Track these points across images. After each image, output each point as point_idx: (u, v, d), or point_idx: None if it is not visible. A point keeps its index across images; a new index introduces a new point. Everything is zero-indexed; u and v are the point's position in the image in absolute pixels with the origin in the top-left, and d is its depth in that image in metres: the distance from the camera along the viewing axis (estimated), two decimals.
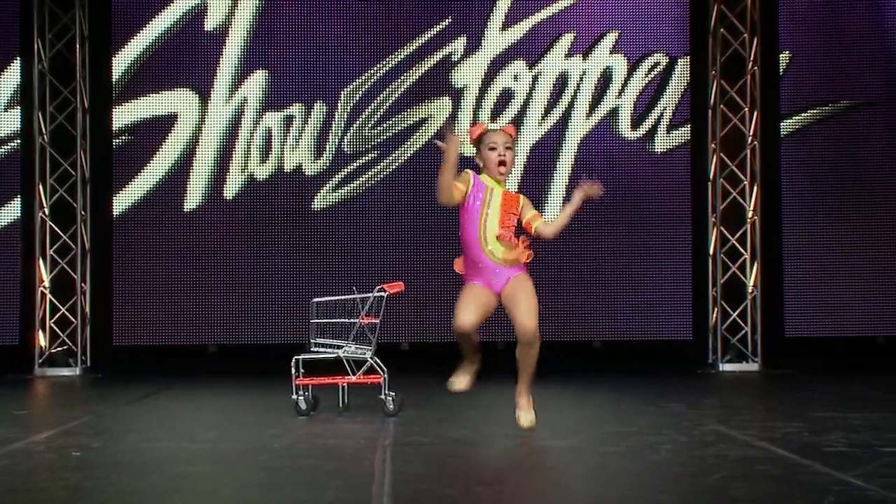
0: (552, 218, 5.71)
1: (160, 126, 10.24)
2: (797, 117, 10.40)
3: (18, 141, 10.09)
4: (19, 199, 10.10)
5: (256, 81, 10.28)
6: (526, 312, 5.31)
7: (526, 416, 5.42)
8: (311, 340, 6.60)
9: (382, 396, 6.37)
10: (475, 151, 5.51)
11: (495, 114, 10.42)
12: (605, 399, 7.63)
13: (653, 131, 10.41)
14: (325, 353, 6.54)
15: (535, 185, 10.39)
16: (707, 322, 10.20)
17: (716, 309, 10.09)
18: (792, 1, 10.46)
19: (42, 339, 9.90)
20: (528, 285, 5.41)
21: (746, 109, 10.06)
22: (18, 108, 10.11)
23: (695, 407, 6.89)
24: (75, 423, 6.00)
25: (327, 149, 10.34)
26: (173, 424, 6.16)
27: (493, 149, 5.41)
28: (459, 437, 5.42)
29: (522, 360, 5.39)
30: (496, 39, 10.43)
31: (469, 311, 5.30)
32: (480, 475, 4.29)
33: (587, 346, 10.64)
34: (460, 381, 5.60)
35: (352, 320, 6.51)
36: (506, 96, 10.44)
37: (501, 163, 5.40)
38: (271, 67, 10.31)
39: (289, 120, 10.34)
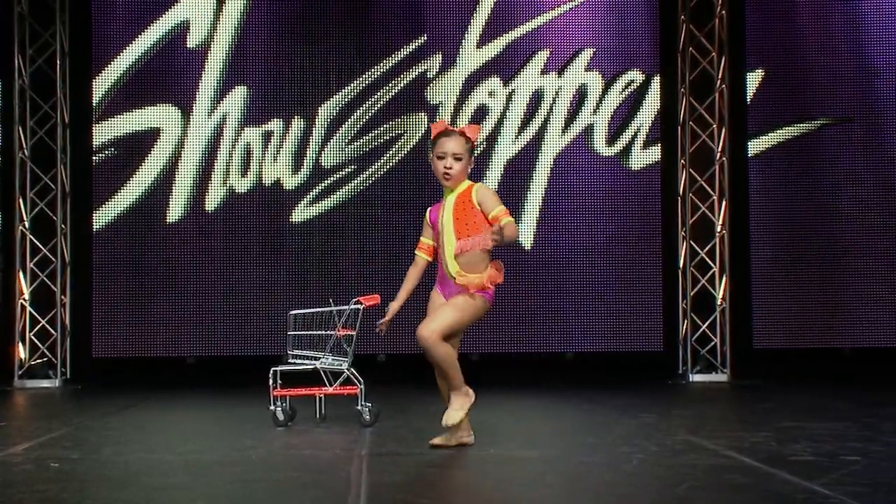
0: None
1: (143, 140, 10.20)
2: (768, 135, 10.47)
3: None
4: None
5: (236, 97, 10.26)
6: (427, 319, 5.16)
7: (449, 413, 5.18)
8: (289, 352, 6.58)
9: (359, 407, 6.35)
10: (430, 152, 5.32)
11: None
12: (578, 410, 7.63)
13: (628, 148, 10.45)
14: (303, 364, 6.52)
15: (510, 200, 10.38)
16: (677, 334, 10.23)
17: (686, 321, 10.12)
18: (759, 20, 10.53)
19: (22, 351, 9.82)
20: (461, 300, 5.16)
21: (715, 126, 10.12)
22: None
23: (666, 417, 6.90)
24: (54, 435, 5.94)
25: (305, 163, 10.33)
26: (151, 436, 6.11)
27: (440, 158, 5.21)
28: (434, 449, 5.39)
29: (433, 366, 5.21)
30: (472, 56, 10.45)
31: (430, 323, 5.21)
32: (456, 485, 4.27)
33: (560, 358, 10.66)
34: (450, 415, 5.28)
35: (328, 332, 6.49)
36: (481, 112, 10.46)
37: (446, 175, 5.19)
38: (251, 84, 10.30)
39: (268, 135, 10.32)
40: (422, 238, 5.44)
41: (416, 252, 5.49)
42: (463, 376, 5.23)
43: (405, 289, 5.47)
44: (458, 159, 5.18)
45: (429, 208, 5.41)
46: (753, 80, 10.48)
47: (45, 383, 9.72)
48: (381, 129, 10.40)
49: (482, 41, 10.45)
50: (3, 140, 10.04)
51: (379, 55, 10.40)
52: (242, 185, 10.29)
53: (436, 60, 10.44)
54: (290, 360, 6.55)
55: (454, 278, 5.19)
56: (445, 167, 5.19)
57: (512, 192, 10.41)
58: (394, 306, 5.46)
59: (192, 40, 10.26)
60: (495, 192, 5.33)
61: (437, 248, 5.32)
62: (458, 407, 5.18)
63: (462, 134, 5.24)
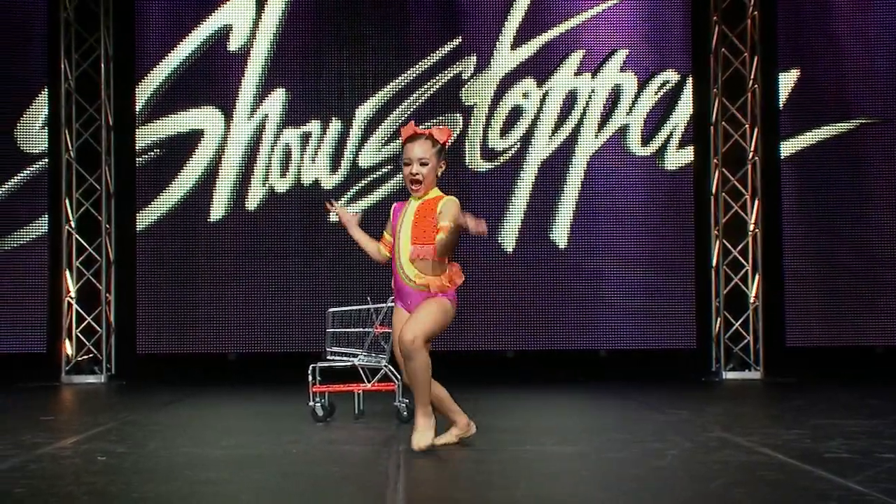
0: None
1: (186, 142, 10.29)
2: (804, 134, 10.40)
3: (46, 159, 10.16)
4: (47, 214, 10.15)
5: (276, 99, 10.32)
6: (409, 323, 4.89)
7: (418, 437, 4.95)
8: (328, 349, 6.61)
9: (396, 403, 6.36)
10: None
11: (504, 130, 10.43)
12: (611, 406, 7.61)
13: (663, 148, 10.42)
14: (341, 361, 6.54)
15: (544, 200, 10.41)
16: (710, 332, 10.17)
17: (719, 319, 10.06)
18: (792, 20, 10.45)
19: (69, 348, 9.93)
20: (434, 304, 4.93)
21: (747, 126, 10.05)
22: (46, 127, 10.18)
23: (699, 414, 6.87)
24: (101, 429, 6.01)
25: (342, 164, 10.37)
26: (194, 431, 6.16)
27: (406, 164, 5.02)
28: (470, 444, 5.40)
29: (407, 376, 5.06)
30: (506, 58, 10.44)
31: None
32: (491, 481, 4.28)
33: (594, 355, 10.63)
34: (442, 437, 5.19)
35: (367, 330, 6.51)
36: (515, 113, 10.45)
37: (413, 180, 5.00)
38: (290, 86, 10.35)
39: (306, 136, 10.37)
40: (384, 234, 5.20)
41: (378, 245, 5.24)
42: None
43: (366, 237, 5.27)
44: (424, 164, 4.99)
45: (395, 204, 5.23)
46: (788, 80, 10.41)
47: (91, 379, 9.82)
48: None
49: (516, 43, 10.44)
50: (50, 142, 10.16)
51: (414, 57, 10.42)
52: (282, 184, 10.35)
53: (470, 62, 10.44)
54: (328, 357, 6.58)
55: (413, 282, 4.96)
56: (412, 173, 5.00)
57: (546, 192, 10.40)
58: (355, 224, 5.29)
59: (234, 44, 10.33)
60: (461, 208, 5.01)
61: (392, 247, 5.09)
62: (427, 427, 4.98)
63: (430, 136, 5.04)
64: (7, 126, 10.17)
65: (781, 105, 10.40)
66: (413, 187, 5.02)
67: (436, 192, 5.07)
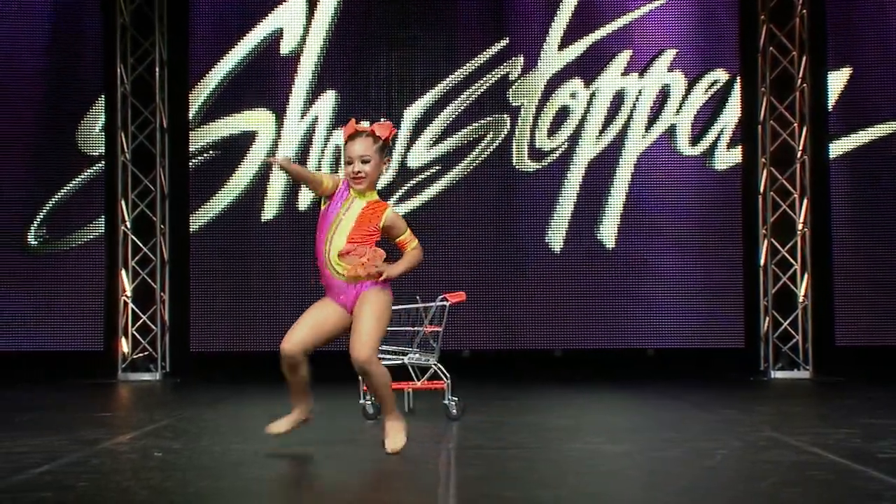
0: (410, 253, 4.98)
1: (238, 143, 10.38)
2: (857, 133, 10.27)
3: (103, 162, 10.31)
4: (104, 215, 10.29)
5: (327, 101, 10.38)
6: (357, 340, 4.74)
7: (391, 441, 4.83)
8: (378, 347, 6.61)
9: (446, 401, 6.37)
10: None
11: (552, 130, 10.40)
12: (659, 405, 7.55)
13: (712, 148, 10.34)
14: (391, 359, 6.56)
15: (591, 200, 10.37)
16: (759, 331, 10.07)
17: (767, 318, 9.96)
18: (843, 19, 10.32)
19: (125, 346, 10.04)
20: (374, 306, 4.77)
21: (796, 125, 9.94)
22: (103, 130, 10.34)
23: (748, 413, 6.80)
24: (156, 426, 6.07)
25: (392, 164, 10.40)
26: (246, 428, 6.21)
27: (348, 162, 4.83)
28: (519, 441, 5.39)
29: (369, 387, 4.97)
30: (553, 58, 10.41)
31: (295, 331, 4.84)
32: (540, 478, 4.26)
33: (641, 354, 10.58)
34: (278, 423, 5.05)
35: (416, 328, 6.52)
36: (562, 113, 10.42)
37: (356, 178, 4.80)
38: (340, 88, 10.40)
39: None
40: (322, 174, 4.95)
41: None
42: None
43: (306, 170, 5.01)
44: (365, 161, 4.80)
45: (340, 180, 4.90)
46: (838, 78, 10.27)
47: (146, 376, 9.93)
48: (465, 130, 10.43)
49: (564, 43, 10.41)
50: (106, 145, 10.29)
51: (462, 58, 10.43)
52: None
53: (518, 63, 10.43)
54: (378, 356, 6.57)
55: (342, 275, 4.80)
56: (354, 171, 4.80)
57: (594, 192, 10.36)
58: (291, 164, 4.84)
59: (285, 47, 10.40)
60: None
61: (318, 238, 4.89)
62: (400, 430, 4.87)
63: (371, 133, 4.85)
64: (68, 130, 10.32)
65: (831, 104, 10.27)
66: (355, 185, 4.83)
67: (374, 194, 4.90)
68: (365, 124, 4.90)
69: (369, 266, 4.74)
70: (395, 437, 4.84)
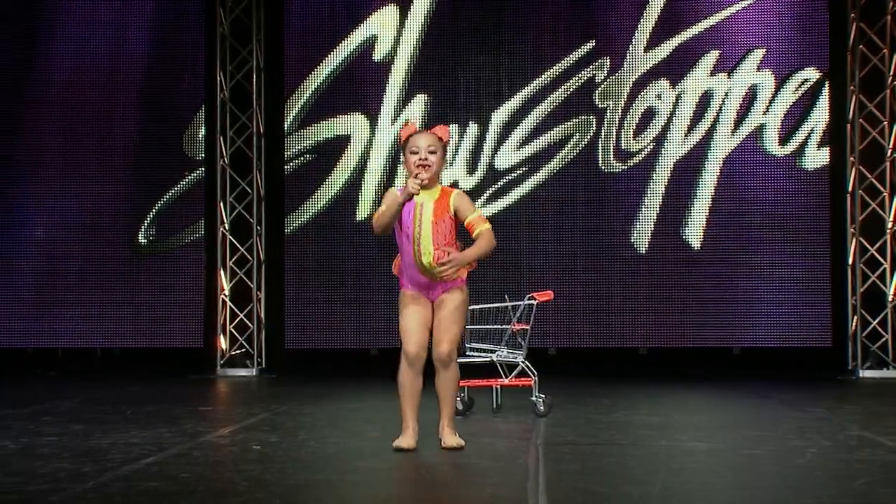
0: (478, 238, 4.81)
1: (333, 147, 10.50)
2: None
3: (203, 168, 10.52)
4: (203, 218, 10.50)
5: (418, 105, 10.44)
6: (443, 336, 4.76)
7: (449, 438, 4.84)
8: (467, 345, 6.63)
9: (533, 398, 6.35)
10: (402, 157, 4.93)
11: (638, 131, 10.31)
12: (746, 403, 7.43)
13: (802, 147, 10.15)
14: (480, 357, 6.56)
15: (678, 200, 10.24)
16: (846, 330, 9.84)
17: (855, 317, 9.73)
18: None
19: (223, 343, 10.23)
20: (456, 304, 4.81)
21: (885, 123, 9.69)
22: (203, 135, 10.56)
23: (836, 412, 6.65)
24: (254, 420, 6.17)
25: (480, 165, 10.41)
26: (341, 422, 6.27)
27: (414, 152, 4.80)
28: (608, 438, 5.36)
29: (440, 387, 4.85)
30: (639, 60, 10.31)
31: (412, 334, 4.76)
32: (629, 474, 4.23)
33: (727, 353, 10.42)
34: (405, 439, 4.81)
35: (504, 326, 6.51)
36: (648, 115, 10.31)
37: (421, 165, 4.75)
38: (431, 92, 10.45)
39: None
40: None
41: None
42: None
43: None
44: (432, 152, 4.80)
45: (398, 190, 4.83)
46: None
47: (243, 372, 10.09)
48: (552, 132, 10.39)
49: (650, 45, 10.30)
50: (206, 150, 10.50)
51: (549, 61, 10.39)
52: None
53: (604, 64, 10.35)
54: (467, 353, 6.60)
55: (432, 276, 4.77)
56: (421, 159, 4.77)
57: (680, 192, 10.24)
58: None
59: (378, 53, 10.49)
60: (470, 198, 4.95)
61: (405, 242, 4.82)
62: (455, 429, 4.90)
63: (434, 133, 4.87)
64: (175, 135, 10.56)
65: None
66: (418, 172, 4.74)
67: (438, 188, 4.86)
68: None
69: (453, 267, 4.72)
70: (452, 435, 4.86)
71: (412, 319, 4.81)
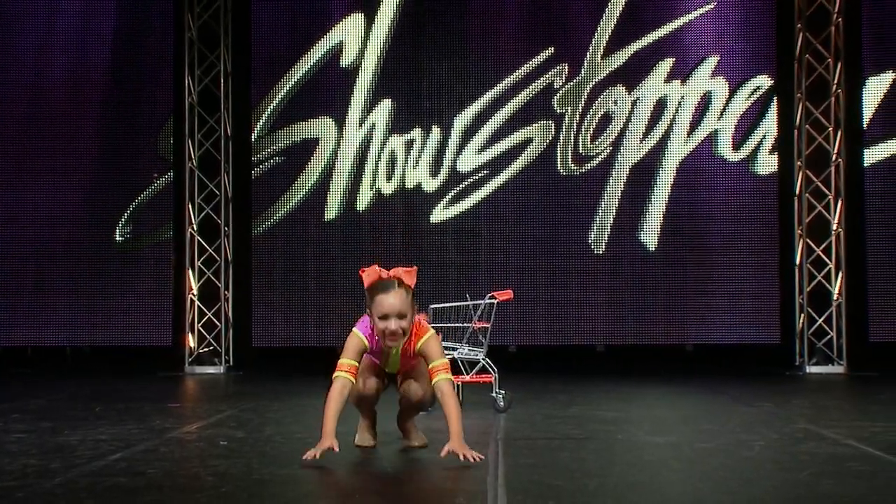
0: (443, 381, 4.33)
1: (300, 150, 10.47)
2: (889, 139, 10.12)
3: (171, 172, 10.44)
4: (172, 219, 10.41)
5: (383, 109, 10.42)
6: (413, 387, 4.56)
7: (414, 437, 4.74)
8: None
9: (493, 394, 6.35)
10: (366, 297, 4.33)
11: (595, 135, 10.35)
12: (699, 399, 7.48)
13: (755, 153, 10.24)
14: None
15: (634, 203, 10.30)
16: (794, 327, 9.95)
17: (802, 315, 9.83)
18: (882, 26, 10.17)
19: (191, 341, 10.15)
20: (419, 373, 4.51)
21: (831, 129, 9.80)
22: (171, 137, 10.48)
23: (784, 407, 6.71)
24: (221, 416, 6.12)
25: (443, 168, 10.41)
26: (306, 418, 6.22)
27: (382, 319, 4.25)
28: (566, 433, 5.37)
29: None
30: (597, 66, 10.36)
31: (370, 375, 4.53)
32: (586, 468, 4.24)
33: (681, 349, 10.49)
34: (363, 437, 4.73)
35: (465, 325, 6.51)
36: (605, 120, 10.36)
37: (392, 337, 4.28)
38: (396, 97, 10.43)
39: (410, 143, 10.44)
40: (348, 360, 4.36)
41: (339, 374, 4.34)
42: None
43: (334, 420, 4.29)
44: (402, 317, 4.25)
45: (362, 332, 4.37)
46: (880, 84, 10.11)
47: (211, 370, 10.02)
48: (512, 136, 10.41)
49: (607, 52, 10.35)
50: (174, 152, 10.41)
51: (510, 67, 10.41)
52: (388, 187, 10.44)
53: (563, 71, 10.38)
54: None
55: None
56: (391, 330, 4.24)
57: (637, 194, 10.30)
58: (330, 441, 4.22)
59: (345, 59, 10.46)
60: (439, 340, 4.46)
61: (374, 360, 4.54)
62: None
63: (401, 283, 4.29)
64: (149, 138, 10.47)
65: (873, 109, 10.12)
66: (390, 342, 4.32)
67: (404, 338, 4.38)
68: (382, 271, 4.35)
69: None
70: (418, 434, 4.78)
71: (369, 386, 4.55)
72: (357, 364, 4.38)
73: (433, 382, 4.34)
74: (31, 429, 5.45)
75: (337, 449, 4.18)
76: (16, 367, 10.21)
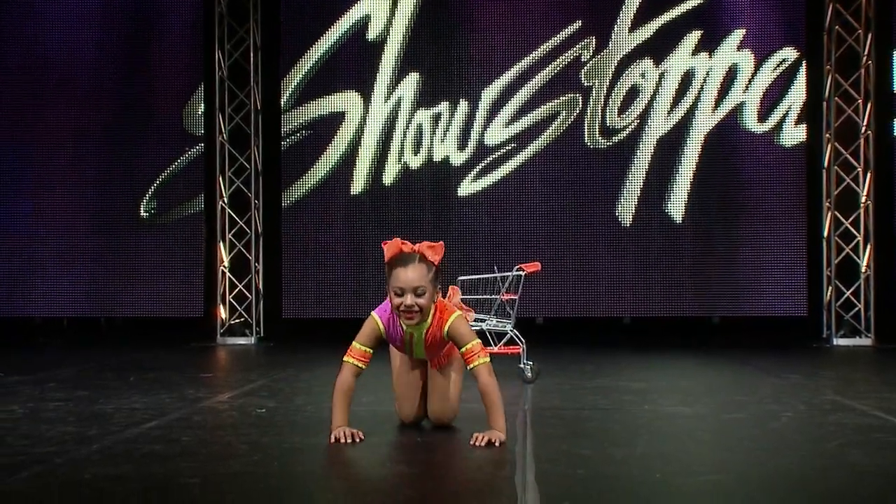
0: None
1: (328, 124, 10.47)
2: None
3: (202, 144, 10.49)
4: (203, 192, 10.47)
5: (410, 83, 10.39)
6: (441, 404, 4.39)
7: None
8: None
9: (521, 365, 6.36)
10: (385, 271, 4.06)
11: (622, 109, 10.28)
12: (726, 370, 7.46)
13: (780, 124, 10.14)
14: (470, 325, 6.55)
15: (661, 176, 10.24)
16: (821, 299, 9.88)
17: (830, 287, 9.76)
18: None
19: (222, 312, 10.22)
20: (453, 367, 4.35)
21: (860, 101, 9.68)
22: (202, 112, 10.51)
23: (812, 378, 6.68)
24: (252, 386, 6.17)
25: (470, 142, 10.38)
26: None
27: (397, 294, 3.97)
28: (592, 403, 5.37)
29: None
30: (624, 39, 10.27)
31: (409, 401, 4.39)
32: (613, 437, 4.24)
33: (707, 321, 10.45)
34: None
35: (493, 296, 6.51)
36: (633, 93, 10.28)
37: (408, 314, 3.98)
38: (423, 71, 10.40)
39: (437, 116, 10.41)
40: (360, 345, 4.18)
41: (348, 360, 4.21)
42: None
43: (343, 413, 4.11)
44: (420, 294, 3.95)
45: (379, 317, 4.14)
46: None
47: (241, 341, 10.09)
48: (539, 109, 10.35)
49: (634, 25, 10.26)
50: (205, 126, 10.45)
51: (536, 41, 10.35)
52: (415, 161, 10.43)
53: (590, 44, 10.31)
54: None
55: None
56: (406, 306, 3.94)
57: (663, 167, 10.23)
58: (343, 425, 4.09)
59: (372, 33, 10.43)
60: (465, 320, 4.16)
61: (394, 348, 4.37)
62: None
63: (423, 258, 3.97)
64: (175, 113, 10.51)
65: None
66: (407, 320, 4.01)
67: (429, 317, 4.09)
68: (407, 245, 4.06)
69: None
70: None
71: (405, 384, 4.42)
72: (369, 350, 4.13)
73: (469, 368, 4.06)
74: (68, 397, 5.52)
75: (362, 437, 4.04)
76: (49, 336, 10.33)
